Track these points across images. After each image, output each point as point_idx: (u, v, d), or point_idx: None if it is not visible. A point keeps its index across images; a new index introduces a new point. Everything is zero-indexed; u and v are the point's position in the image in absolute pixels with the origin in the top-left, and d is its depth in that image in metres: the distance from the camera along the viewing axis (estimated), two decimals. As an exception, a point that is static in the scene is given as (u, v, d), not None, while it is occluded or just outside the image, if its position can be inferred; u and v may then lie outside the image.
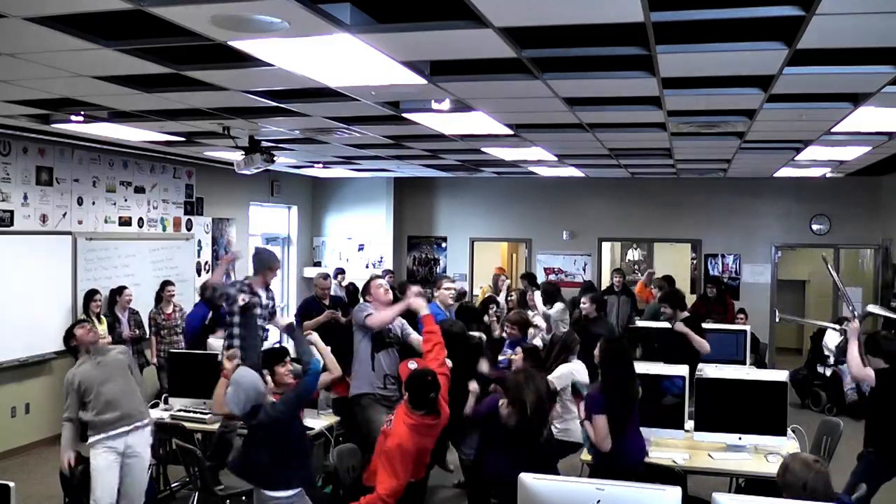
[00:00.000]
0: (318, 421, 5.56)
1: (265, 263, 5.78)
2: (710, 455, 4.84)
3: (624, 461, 4.32)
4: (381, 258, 12.46)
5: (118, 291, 7.96)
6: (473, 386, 5.10)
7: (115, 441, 4.63)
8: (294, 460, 4.13)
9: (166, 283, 8.33)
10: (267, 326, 6.14)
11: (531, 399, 4.07)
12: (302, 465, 4.21)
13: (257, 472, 4.12)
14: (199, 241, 10.03)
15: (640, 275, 11.90)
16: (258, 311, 5.62)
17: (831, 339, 9.19)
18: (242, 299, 5.36)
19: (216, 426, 5.54)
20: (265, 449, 4.06)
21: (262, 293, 5.71)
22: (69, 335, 5.00)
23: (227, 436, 5.41)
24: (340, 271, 11.22)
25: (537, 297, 8.17)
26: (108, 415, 4.62)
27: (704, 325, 7.53)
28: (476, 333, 6.02)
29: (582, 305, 7.70)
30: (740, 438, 4.88)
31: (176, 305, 8.26)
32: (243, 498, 4.93)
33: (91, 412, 4.62)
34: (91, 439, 4.64)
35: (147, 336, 8.05)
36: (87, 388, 4.63)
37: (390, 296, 5.68)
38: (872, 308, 7.09)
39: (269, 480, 4.07)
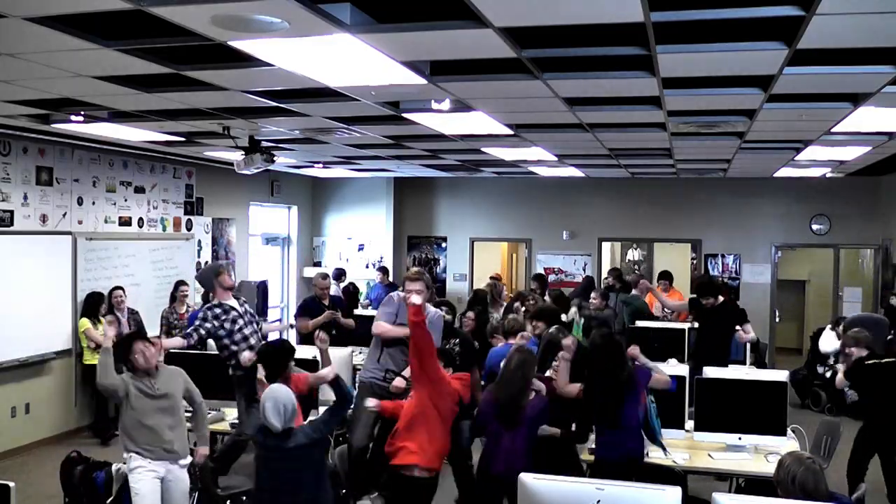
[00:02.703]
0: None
1: (210, 278, 5.86)
2: (710, 455, 4.84)
3: (612, 452, 4.41)
4: (381, 258, 12.47)
5: (112, 292, 7.98)
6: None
7: (156, 465, 4.45)
8: (325, 481, 4.03)
9: (180, 283, 8.35)
10: (266, 329, 6.20)
11: (502, 372, 4.41)
12: (326, 485, 4.09)
13: (290, 497, 3.91)
14: (199, 241, 10.03)
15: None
16: (241, 321, 5.72)
17: (826, 343, 9.19)
18: (249, 359, 5.02)
19: (216, 426, 5.54)
20: (299, 473, 3.87)
21: (231, 302, 5.77)
22: (127, 347, 4.51)
23: (239, 443, 5.40)
24: (341, 272, 11.20)
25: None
26: (153, 446, 4.45)
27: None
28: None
29: (592, 301, 8.00)
30: (740, 438, 4.88)
31: (189, 306, 8.26)
32: (243, 498, 4.94)
33: (132, 432, 4.43)
34: (130, 457, 4.44)
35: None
36: (133, 405, 4.41)
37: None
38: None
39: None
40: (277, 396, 3.82)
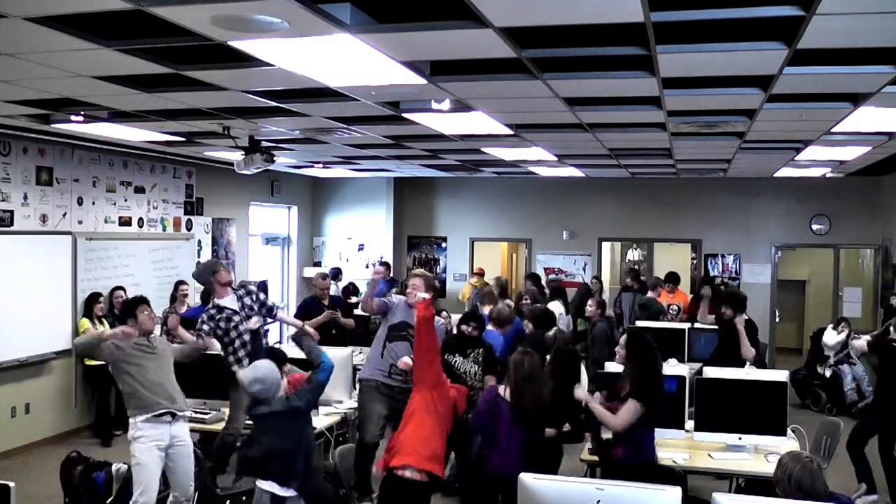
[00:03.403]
0: (317, 420, 5.55)
1: (208, 276, 5.87)
2: (710, 455, 4.84)
3: (644, 456, 4.37)
4: (381, 258, 12.48)
5: (113, 293, 7.97)
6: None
7: (158, 429, 4.68)
8: (299, 460, 4.10)
9: (180, 283, 8.35)
10: (267, 327, 6.17)
11: (522, 375, 4.30)
12: (307, 468, 4.15)
13: (260, 464, 4.07)
14: (199, 241, 10.03)
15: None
16: (237, 318, 5.67)
17: (829, 338, 9.20)
18: (255, 323, 5.42)
19: (216, 426, 5.54)
20: (274, 440, 4.04)
21: (228, 301, 5.71)
22: (130, 310, 4.93)
23: (228, 440, 5.41)
24: (338, 271, 11.20)
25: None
26: (157, 396, 4.71)
27: (703, 325, 7.57)
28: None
29: (588, 308, 7.99)
30: (740, 438, 4.88)
31: (189, 306, 8.25)
32: (243, 498, 4.94)
33: (138, 390, 4.69)
34: (136, 423, 4.67)
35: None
36: (135, 363, 4.73)
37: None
38: None
39: (271, 473, 4.03)
40: (258, 366, 4.13)
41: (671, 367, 5.93)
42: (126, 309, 5.04)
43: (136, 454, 4.64)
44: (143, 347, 4.82)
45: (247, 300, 5.81)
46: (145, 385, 4.69)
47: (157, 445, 4.66)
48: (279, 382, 4.12)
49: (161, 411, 4.69)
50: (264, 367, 4.10)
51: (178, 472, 4.78)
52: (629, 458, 4.32)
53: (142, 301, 4.98)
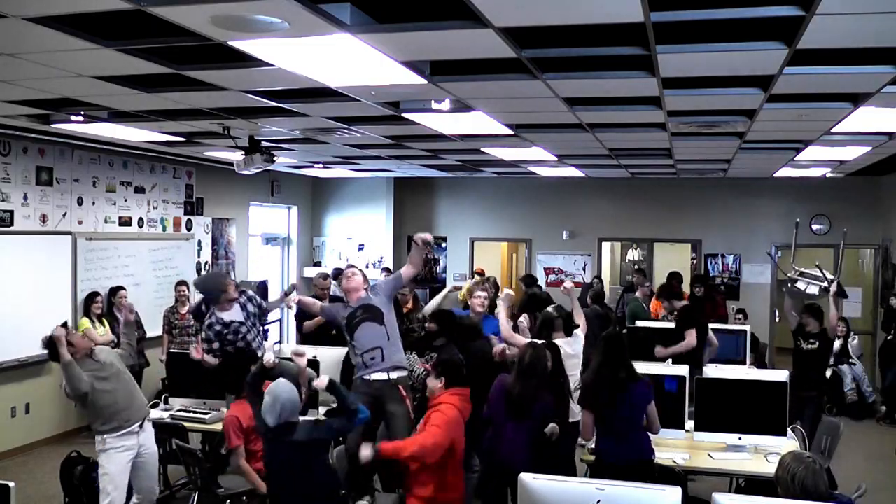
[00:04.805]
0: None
1: (217, 293, 5.73)
2: (710, 455, 4.84)
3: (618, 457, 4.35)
4: (381, 258, 12.48)
5: (114, 292, 7.96)
6: None
7: (128, 440, 4.73)
8: (321, 489, 4.02)
9: (180, 283, 8.34)
10: (267, 328, 6.14)
11: (521, 368, 4.46)
12: (324, 479, 4.08)
13: (284, 494, 3.99)
14: (199, 241, 10.03)
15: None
16: (244, 328, 5.64)
17: None
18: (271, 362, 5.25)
19: (216, 426, 5.54)
20: (297, 466, 3.94)
21: (233, 313, 5.66)
22: (52, 342, 4.57)
23: None
24: (339, 272, 11.18)
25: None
26: (132, 411, 4.75)
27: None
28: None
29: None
30: (740, 438, 4.88)
31: (191, 306, 8.23)
32: (244, 498, 4.94)
33: (112, 407, 4.67)
34: (105, 438, 4.67)
35: (146, 336, 8.02)
36: (100, 393, 4.64)
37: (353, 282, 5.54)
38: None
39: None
40: (278, 395, 3.87)
41: (671, 368, 5.93)
42: (53, 347, 4.56)
43: (106, 464, 4.68)
44: (97, 372, 4.65)
45: (249, 307, 5.75)
46: (121, 403, 4.71)
47: (128, 455, 4.74)
48: (297, 408, 3.98)
49: (128, 429, 4.73)
50: (283, 391, 3.90)
51: (144, 477, 4.87)
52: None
53: (63, 326, 4.85)
